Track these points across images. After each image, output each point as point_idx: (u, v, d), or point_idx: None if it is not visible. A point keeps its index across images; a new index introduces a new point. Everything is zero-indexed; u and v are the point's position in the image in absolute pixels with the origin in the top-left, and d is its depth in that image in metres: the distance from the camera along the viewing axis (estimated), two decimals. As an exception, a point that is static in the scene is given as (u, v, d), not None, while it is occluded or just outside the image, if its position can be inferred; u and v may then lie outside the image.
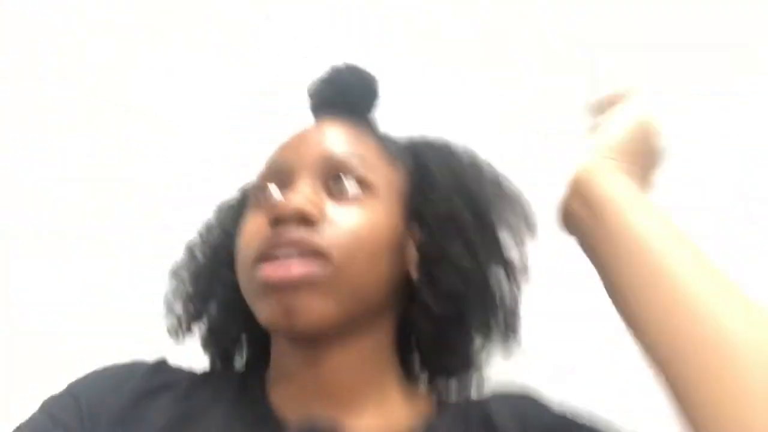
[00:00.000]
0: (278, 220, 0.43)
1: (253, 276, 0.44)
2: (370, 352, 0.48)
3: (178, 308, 0.54)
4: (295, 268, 0.42)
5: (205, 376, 0.51)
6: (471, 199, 0.50)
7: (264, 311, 0.44)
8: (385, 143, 0.52)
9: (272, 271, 0.42)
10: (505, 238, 0.51)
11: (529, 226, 0.51)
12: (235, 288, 0.48)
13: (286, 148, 0.50)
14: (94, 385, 0.48)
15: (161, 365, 0.51)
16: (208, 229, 0.58)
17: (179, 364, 0.52)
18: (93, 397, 0.46)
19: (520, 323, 0.51)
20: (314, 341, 0.45)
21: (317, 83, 0.57)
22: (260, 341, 0.51)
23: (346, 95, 0.55)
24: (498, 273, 0.50)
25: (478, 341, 0.51)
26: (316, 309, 0.42)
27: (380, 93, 0.58)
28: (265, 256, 0.43)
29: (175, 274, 0.56)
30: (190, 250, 0.57)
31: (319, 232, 0.43)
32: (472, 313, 0.49)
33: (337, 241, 0.43)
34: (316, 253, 0.42)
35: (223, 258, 0.52)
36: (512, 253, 0.51)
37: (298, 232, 0.43)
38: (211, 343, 0.54)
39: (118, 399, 0.46)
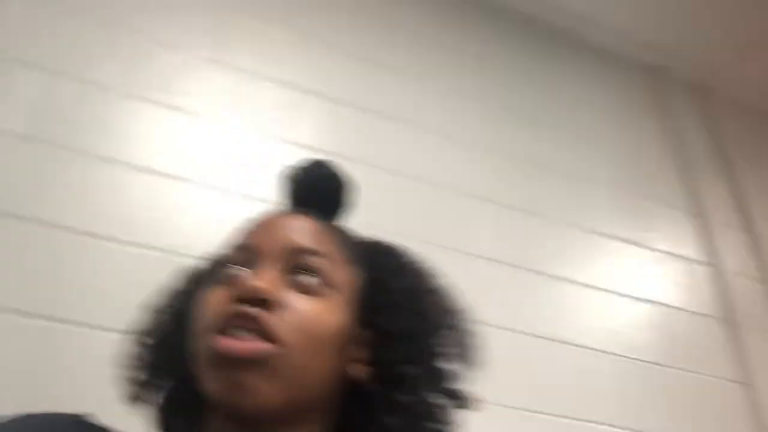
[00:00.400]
0: (240, 298, 0.45)
1: (207, 346, 0.45)
2: None
3: (140, 376, 0.54)
4: (248, 344, 0.43)
5: None
6: (425, 324, 0.53)
7: (213, 383, 0.44)
8: (348, 244, 0.55)
9: (226, 343, 0.43)
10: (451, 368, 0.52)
11: (471, 360, 0.53)
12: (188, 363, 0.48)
13: (256, 232, 0.53)
14: None
15: (81, 424, 0.49)
16: (175, 295, 0.58)
17: (100, 422, 0.50)
18: None
19: None
20: (256, 424, 0.45)
21: (294, 174, 0.59)
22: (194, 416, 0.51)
23: (321, 193, 0.58)
24: (443, 402, 0.51)
25: None
26: (262, 390, 0.43)
27: (353, 198, 0.60)
28: (222, 329, 0.44)
29: (138, 340, 0.56)
30: (157, 317, 0.57)
31: (276, 316, 0.45)
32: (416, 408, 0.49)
33: (290, 328, 0.45)
34: (268, 336, 0.44)
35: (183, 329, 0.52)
36: (459, 384, 0.52)
37: (256, 312, 0.44)
38: (167, 413, 0.54)
39: None
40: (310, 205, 0.57)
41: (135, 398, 0.54)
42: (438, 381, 0.50)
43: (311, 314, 0.47)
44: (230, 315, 0.45)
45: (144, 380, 0.54)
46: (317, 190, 0.58)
